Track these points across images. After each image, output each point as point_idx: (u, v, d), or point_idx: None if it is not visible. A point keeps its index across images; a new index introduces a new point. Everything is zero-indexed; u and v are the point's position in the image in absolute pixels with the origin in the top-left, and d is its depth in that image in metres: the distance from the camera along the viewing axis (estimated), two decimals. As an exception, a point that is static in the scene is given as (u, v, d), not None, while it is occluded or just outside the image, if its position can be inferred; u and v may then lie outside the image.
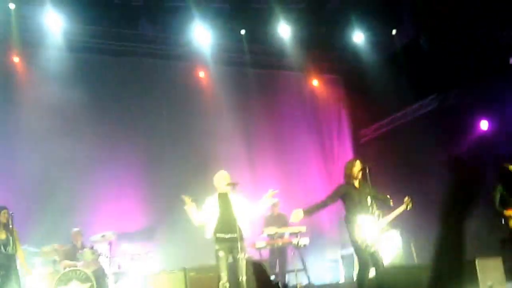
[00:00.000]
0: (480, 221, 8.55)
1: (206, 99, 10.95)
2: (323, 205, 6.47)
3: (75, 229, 8.38)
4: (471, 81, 10.19)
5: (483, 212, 8.51)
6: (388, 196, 6.53)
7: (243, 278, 6.26)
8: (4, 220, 6.72)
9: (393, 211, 6.69)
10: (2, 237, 6.66)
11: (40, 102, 9.46)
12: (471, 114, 10.14)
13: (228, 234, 6.33)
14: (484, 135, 10.01)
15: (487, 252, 7.59)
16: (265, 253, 9.12)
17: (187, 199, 6.32)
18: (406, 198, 6.61)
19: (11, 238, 6.68)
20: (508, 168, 7.26)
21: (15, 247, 6.71)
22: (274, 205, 9.26)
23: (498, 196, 7.18)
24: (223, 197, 6.49)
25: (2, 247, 6.60)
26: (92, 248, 8.04)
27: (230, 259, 6.37)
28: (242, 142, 10.76)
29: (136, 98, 10.38)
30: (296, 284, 7.66)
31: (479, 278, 6.46)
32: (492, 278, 6.90)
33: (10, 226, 6.70)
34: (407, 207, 6.58)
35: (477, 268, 6.59)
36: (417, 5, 10.49)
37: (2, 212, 6.74)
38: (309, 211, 6.29)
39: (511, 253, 7.43)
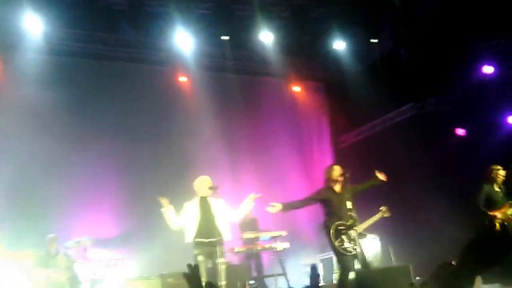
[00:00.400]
0: (457, 223, 8.75)
1: (187, 104, 10.93)
2: (301, 204, 6.61)
3: (50, 235, 8.05)
4: (447, 90, 10.44)
5: (463, 217, 8.71)
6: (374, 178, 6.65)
7: (222, 283, 6.25)
8: None
9: (369, 218, 6.77)
10: None
11: (18, 105, 9.33)
12: (448, 122, 10.40)
13: (207, 239, 6.32)
14: (461, 141, 10.22)
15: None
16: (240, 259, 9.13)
17: (164, 201, 6.30)
18: (383, 207, 6.70)
19: None
20: (495, 170, 7.36)
21: None
22: None
23: (483, 198, 7.23)
24: (204, 201, 6.48)
25: None
26: (66, 254, 7.84)
27: (210, 264, 6.35)
28: (223, 147, 10.76)
29: (116, 103, 10.29)
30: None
31: None
32: None
33: None
34: (383, 215, 6.67)
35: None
36: (397, 16, 10.68)
37: None
38: (287, 207, 6.44)
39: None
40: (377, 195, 9.59)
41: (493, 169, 7.39)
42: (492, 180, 7.36)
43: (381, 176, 6.71)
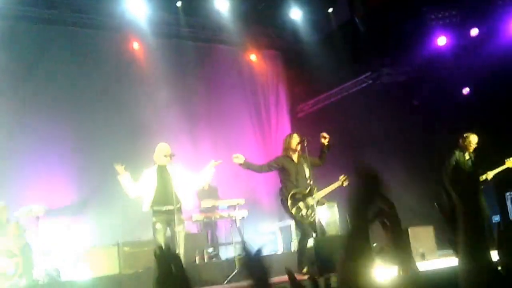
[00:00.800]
0: (412, 192, 8.97)
1: (141, 71, 10.62)
2: (258, 168, 6.68)
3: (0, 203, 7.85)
4: (403, 60, 10.58)
5: (415, 183, 8.92)
6: (320, 154, 6.73)
7: (180, 251, 6.22)
8: None
9: (328, 186, 6.84)
10: None
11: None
12: (404, 92, 10.51)
13: (165, 206, 6.24)
14: (417, 111, 10.41)
15: (419, 221, 7.92)
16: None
17: (119, 168, 6.14)
18: (342, 176, 6.77)
19: None
20: (467, 137, 7.40)
21: None
22: None
23: (453, 163, 7.27)
24: (162, 169, 6.39)
25: None
26: (17, 223, 7.49)
27: (168, 232, 6.30)
28: (179, 114, 10.54)
29: (66, 68, 9.86)
30: (234, 256, 7.67)
31: (411, 245, 6.57)
32: (424, 246, 7.21)
33: None
34: (342, 183, 6.74)
35: (409, 235, 6.79)
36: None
37: None
38: (247, 164, 6.59)
39: (443, 223, 7.66)
40: (335, 164, 9.70)
41: (466, 136, 7.41)
42: (464, 148, 7.42)
43: (324, 140, 6.74)
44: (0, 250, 6.97)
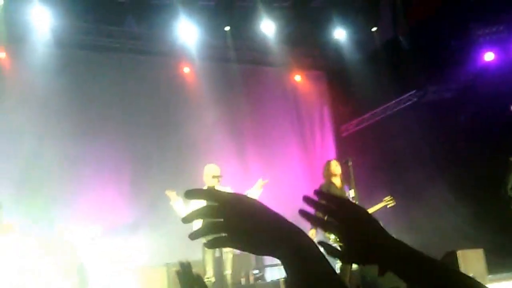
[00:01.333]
0: (460, 212, 8.82)
1: (191, 94, 11.06)
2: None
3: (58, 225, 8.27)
4: (449, 78, 10.51)
5: (463, 203, 8.74)
6: None
7: (227, 272, 6.37)
8: None
9: (371, 207, 6.81)
10: None
11: (25, 97, 9.46)
12: (450, 110, 10.41)
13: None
14: (463, 129, 10.28)
15: (469, 244, 7.74)
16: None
17: (171, 194, 6.35)
18: (388, 197, 6.72)
19: None
20: None
21: None
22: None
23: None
24: (210, 191, 6.57)
25: None
26: (73, 243, 7.87)
27: (216, 253, 6.47)
28: (227, 136, 10.89)
29: (121, 94, 10.42)
30: (279, 279, 7.78)
31: (461, 269, 6.48)
32: (473, 270, 6.95)
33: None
34: (387, 205, 6.70)
35: (458, 259, 6.66)
36: (396, 3, 10.73)
37: None
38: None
39: (493, 245, 7.42)
40: (379, 183, 9.75)
41: None
42: None
43: (388, 202, 6.68)
44: (56, 270, 7.41)
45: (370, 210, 6.76)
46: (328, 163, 6.85)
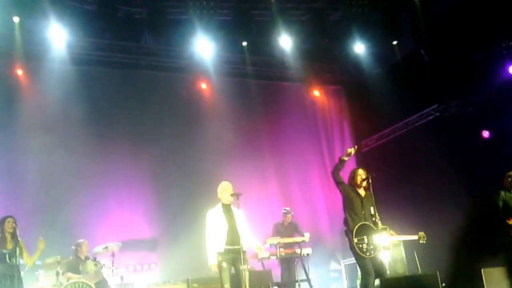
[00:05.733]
0: (484, 230, 8.58)
1: (208, 110, 11.05)
2: (339, 169, 6.55)
3: (80, 241, 8.32)
4: (471, 92, 10.28)
5: (487, 221, 8.51)
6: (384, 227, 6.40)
7: None
8: (10, 230, 6.75)
9: (403, 235, 6.65)
10: (9, 248, 6.70)
11: (43, 114, 9.58)
12: (472, 124, 10.20)
13: (231, 246, 6.32)
14: (486, 144, 10.04)
15: (491, 261, 7.59)
16: (269, 264, 9.11)
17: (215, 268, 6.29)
18: (421, 233, 6.56)
19: (16, 248, 6.70)
20: (510, 176, 7.22)
21: (21, 256, 6.76)
22: (286, 213, 9.36)
23: (501, 204, 7.09)
24: (227, 209, 6.46)
25: (7, 258, 6.64)
26: (95, 259, 8.02)
27: (233, 270, 6.37)
28: (245, 152, 10.84)
29: (139, 110, 10.46)
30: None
31: (485, 287, 6.44)
32: None
33: (17, 237, 6.73)
34: (419, 240, 6.55)
35: (483, 277, 6.56)
36: (417, 16, 10.58)
37: (6, 221, 6.77)
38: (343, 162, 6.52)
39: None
40: (402, 199, 9.55)
41: (510, 175, 7.21)
42: (509, 186, 7.20)
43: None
44: (76, 286, 7.35)
45: (400, 237, 6.64)
46: (354, 171, 6.61)
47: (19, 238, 6.81)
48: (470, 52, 10.00)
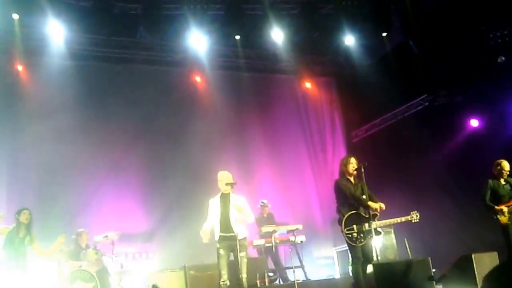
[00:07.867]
0: (475, 217, 8.79)
1: (202, 102, 11.27)
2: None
3: (81, 230, 8.55)
4: (460, 82, 10.47)
5: (478, 208, 8.71)
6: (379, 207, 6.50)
7: (243, 275, 6.45)
8: (25, 221, 7.01)
9: (395, 218, 6.69)
10: (20, 236, 6.97)
11: (42, 108, 9.77)
12: (461, 113, 10.41)
13: (226, 233, 6.51)
14: (474, 133, 10.24)
15: (483, 247, 7.75)
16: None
17: (205, 236, 6.46)
18: (414, 212, 6.60)
19: (26, 237, 6.97)
20: (499, 165, 7.34)
21: (31, 245, 7.02)
22: (263, 206, 9.57)
23: (488, 192, 7.17)
24: (224, 197, 6.61)
25: (17, 243, 6.92)
26: (95, 248, 8.25)
27: (231, 257, 6.56)
28: (238, 143, 11.08)
29: (135, 103, 10.65)
30: (294, 281, 7.86)
31: (476, 273, 6.42)
32: None
33: (30, 228, 7.01)
34: (411, 219, 6.62)
35: (474, 263, 6.56)
36: (406, 9, 10.75)
37: (23, 212, 7.03)
38: None
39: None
40: (390, 188, 9.74)
41: (498, 163, 7.28)
42: (498, 175, 7.27)
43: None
44: (77, 274, 7.61)
45: (392, 221, 6.69)
46: (346, 159, 6.67)
47: (31, 229, 7.06)
48: (458, 43, 10.16)
